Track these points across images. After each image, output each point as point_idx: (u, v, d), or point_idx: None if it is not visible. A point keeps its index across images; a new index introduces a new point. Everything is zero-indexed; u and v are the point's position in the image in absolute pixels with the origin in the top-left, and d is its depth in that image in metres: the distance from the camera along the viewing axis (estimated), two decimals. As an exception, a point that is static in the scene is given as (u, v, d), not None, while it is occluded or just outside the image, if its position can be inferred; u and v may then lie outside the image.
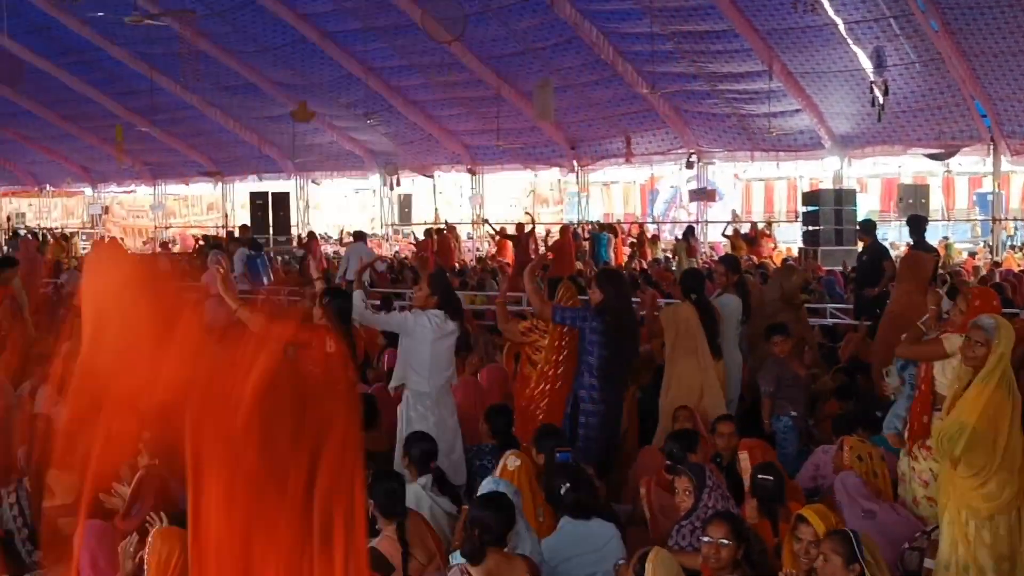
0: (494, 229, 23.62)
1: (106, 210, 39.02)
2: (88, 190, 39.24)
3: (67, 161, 37.10)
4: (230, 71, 26.98)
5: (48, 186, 40.23)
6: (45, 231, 33.49)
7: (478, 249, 28.91)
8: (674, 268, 20.59)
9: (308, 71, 26.32)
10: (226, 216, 34.99)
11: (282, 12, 23.71)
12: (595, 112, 25.37)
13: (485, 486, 5.38)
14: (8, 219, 40.74)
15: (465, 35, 20.27)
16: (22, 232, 34.01)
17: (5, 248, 26.60)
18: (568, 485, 5.51)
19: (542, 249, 20.40)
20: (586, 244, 23.66)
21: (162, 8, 23.31)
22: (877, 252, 12.71)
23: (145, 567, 4.83)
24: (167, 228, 37.62)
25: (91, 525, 5.62)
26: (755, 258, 21.09)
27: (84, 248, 29.96)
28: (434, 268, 19.59)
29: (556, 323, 7.20)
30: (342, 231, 25.18)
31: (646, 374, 9.01)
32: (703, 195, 25.99)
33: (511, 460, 5.90)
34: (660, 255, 24.19)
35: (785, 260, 21.14)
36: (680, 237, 23.82)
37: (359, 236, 20.16)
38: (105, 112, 30.99)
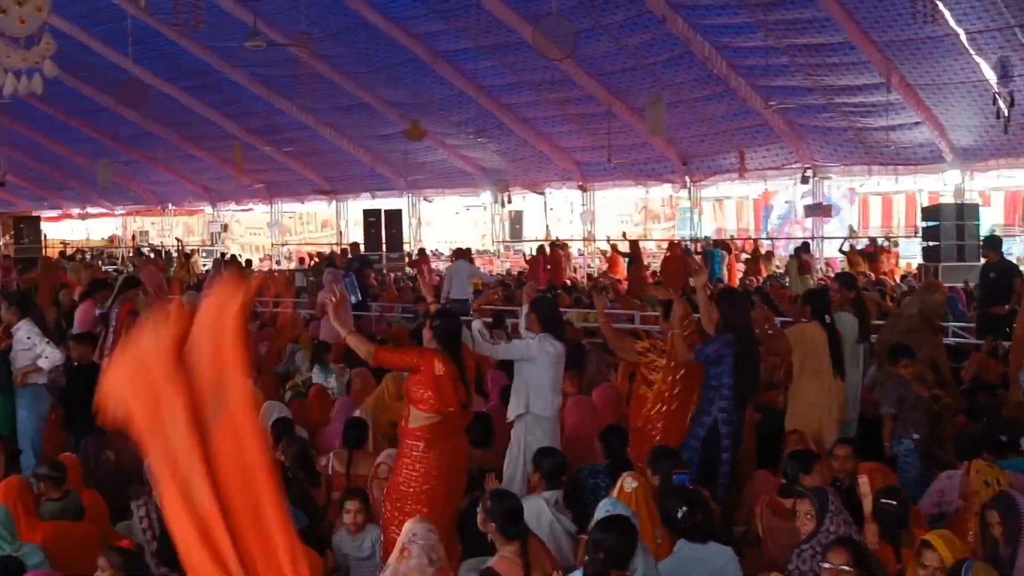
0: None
1: (225, 228, 40.02)
2: (208, 208, 40.31)
3: (188, 181, 38.18)
4: (344, 91, 27.46)
5: (170, 205, 41.45)
6: (170, 249, 34.56)
7: (589, 266, 28.90)
8: (786, 285, 20.27)
9: (420, 90, 26.64)
10: (340, 233, 35.60)
11: (395, 33, 24.05)
12: (708, 127, 25.12)
13: (602, 508, 5.35)
14: (132, 237, 42.24)
15: (576, 52, 20.27)
16: (145, 250, 35.21)
17: (131, 265, 27.54)
18: (685, 508, 5.46)
19: (653, 266, 20.23)
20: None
21: (280, 32, 23.89)
22: (1006, 269, 12.33)
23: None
24: (283, 245, 38.44)
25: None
26: (873, 274, 20.63)
27: (204, 266, 30.80)
28: (546, 285, 19.66)
29: (701, 362, 7.19)
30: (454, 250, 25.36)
31: (773, 394, 8.89)
32: (818, 210, 25.49)
33: (628, 481, 5.87)
34: (775, 271, 23.83)
35: (913, 275, 20.65)
36: (793, 254, 23.45)
37: (460, 254, 20.16)
38: (225, 133, 31.82)
